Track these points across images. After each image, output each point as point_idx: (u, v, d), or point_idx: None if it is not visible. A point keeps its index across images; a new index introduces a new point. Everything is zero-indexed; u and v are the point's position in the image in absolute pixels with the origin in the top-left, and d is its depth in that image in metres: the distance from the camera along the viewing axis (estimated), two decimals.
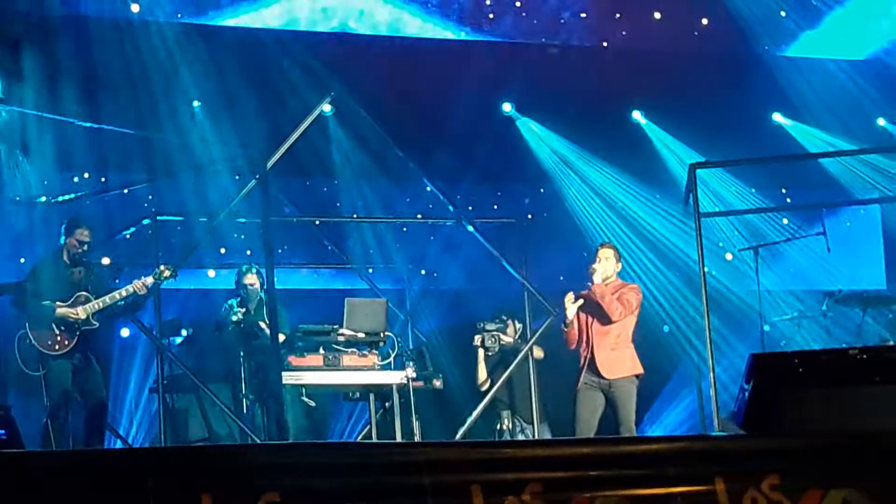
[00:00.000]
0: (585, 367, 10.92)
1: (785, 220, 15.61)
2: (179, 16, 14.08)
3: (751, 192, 16.04)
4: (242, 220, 12.84)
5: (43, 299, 10.72)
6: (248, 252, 13.97)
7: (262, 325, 12.11)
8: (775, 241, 14.41)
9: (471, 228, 12.78)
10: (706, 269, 11.65)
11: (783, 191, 16.30)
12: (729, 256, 15.36)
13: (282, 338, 11.60)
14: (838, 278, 15.09)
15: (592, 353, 10.89)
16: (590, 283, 11.01)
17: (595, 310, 10.95)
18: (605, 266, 11.04)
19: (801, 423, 6.67)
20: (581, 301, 11.03)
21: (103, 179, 14.08)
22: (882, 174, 15.51)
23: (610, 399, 10.83)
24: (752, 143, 14.71)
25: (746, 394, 6.79)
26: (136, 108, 13.12)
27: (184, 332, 12.73)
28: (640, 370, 10.99)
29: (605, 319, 10.90)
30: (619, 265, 11.22)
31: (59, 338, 10.66)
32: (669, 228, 15.38)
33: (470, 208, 13.80)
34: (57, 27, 13.27)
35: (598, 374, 10.82)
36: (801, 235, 14.26)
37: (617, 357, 10.90)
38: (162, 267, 11.21)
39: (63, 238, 11.02)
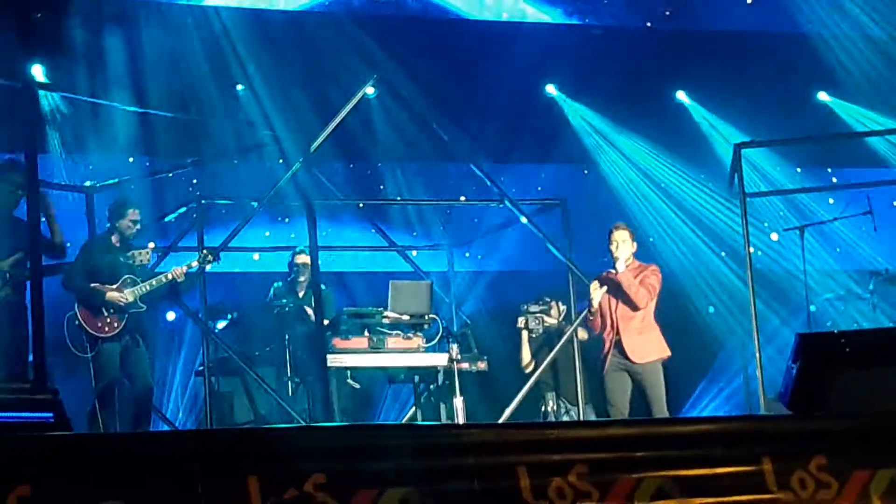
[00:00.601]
0: (612, 350, 10.93)
1: (831, 200, 15.49)
2: None
3: (796, 172, 15.94)
4: (287, 203, 12.86)
5: (91, 281, 10.77)
6: (293, 235, 14.02)
7: (308, 310, 12.14)
8: (821, 220, 14.31)
9: (515, 210, 12.75)
10: (752, 249, 11.59)
11: (829, 170, 16.19)
12: (775, 236, 15.27)
13: (326, 321, 11.63)
14: (885, 258, 14.98)
15: (619, 337, 10.90)
16: (612, 270, 11.04)
17: (619, 294, 10.95)
18: (623, 249, 11.01)
19: (848, 403, 6.63)
20: (605, 287, 11.04)
21: (148, 164, 14.14)
22: None
23: (638, 383, 10.84)
24: (798, 122, 14.63)
25: (793, 374, 6.76)
26: (180, 91, 13.16)
27: (229, 316, 12.77)
28: (668, 353, 10.97)
29: (631, 305, 10.91)
30: (635, 245, 11.17)
31: (108, 320, 10.69)
32: (715, 208, 15.30)
33: (514, 190, 13.76)
34: (101, 11, 13.31)
35: (627, 358, 10.83)
36: (847, 215, 14.14)
37: (644, 341, 10.91)
38: (205, 251, 11.26)
39: (110, 221, 11.05)
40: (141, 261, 10.87)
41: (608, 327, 11.01)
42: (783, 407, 6.89)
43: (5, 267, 10.16)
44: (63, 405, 6.52)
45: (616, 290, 10.96)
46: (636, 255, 11.20)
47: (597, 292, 11.04)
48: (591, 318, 11.23)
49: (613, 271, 11.03)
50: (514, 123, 14.78)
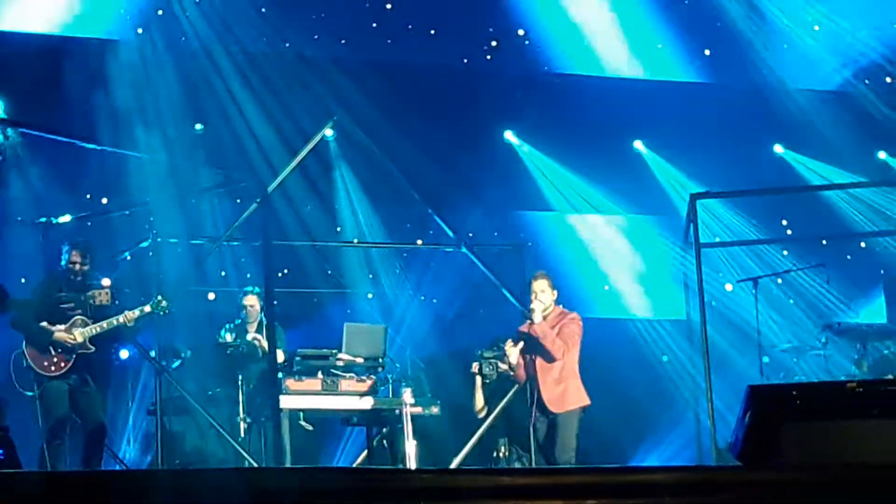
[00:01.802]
0: (535, 402, 10.75)
1: (785, 252, 15.62)
2: (183, 39, 14.13)
3: (751, 223, 16.06)
4: (238, 242, 12.87)
5: (40, 321, 10.68)
6: (248, 275, 14.00)
7: (259, 337, 12.13)
8: (775, 272, 14.42)
9: (470, 255, 12.80)
10: (705, 299, 11.67)
11: (784, 222, 16.33)
12: (729, 287, 15.37)
13: (280, 357, 11.60)
14: (838, 310, 15.09)
15: (538, 388, 10.71)
16: (529, 321, 10.82)
17: (537, 347, 10.73)
18: (543, 299, 10.80)
19: (798, 455, 6.66)
20: (521, 343, 10.85)
21: (104, 201, 14.10)
22: (879, 209, 15.52)
23: (553, 424, 10.64)
24: (754, 175, 14.75)
25: (744, 425, 6.79)
26: (138, 130, 13.16)
27: (182, 355, 12.72)
28: (587, 401, 10.75)
29: (548, 356, 10.70)
30: (555, 292, 10.93)
31: (55, 359, 10.61)
32: (670, 257, 15.39)
33: (470, 234, 13.81)
34: (60, 48, 13.32)
35: (545, 410, 10.67)
36: (801, 267, 14.27)
37: (562, 391, 10.70)
38: (160, 297, 11.18)
39: (63, 261, 10.98)
40: (101, 301, 10.80)
41: (531, 378, 10.82)
42: (733, 458, 6.92)
43: None
44: (13, 443, 6.48)
45: (534, 342, 10.75)
46: (558, 302, 10.97)
47: (512, 351, 10.84)
48: (511, 374, 11.10)
49: (530, 321, 10.81)
50: (472, 168, 14.83)
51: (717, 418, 11.31)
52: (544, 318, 10.76)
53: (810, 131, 15.67)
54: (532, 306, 10.76)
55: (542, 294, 10.80)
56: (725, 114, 15.36)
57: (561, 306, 11.00)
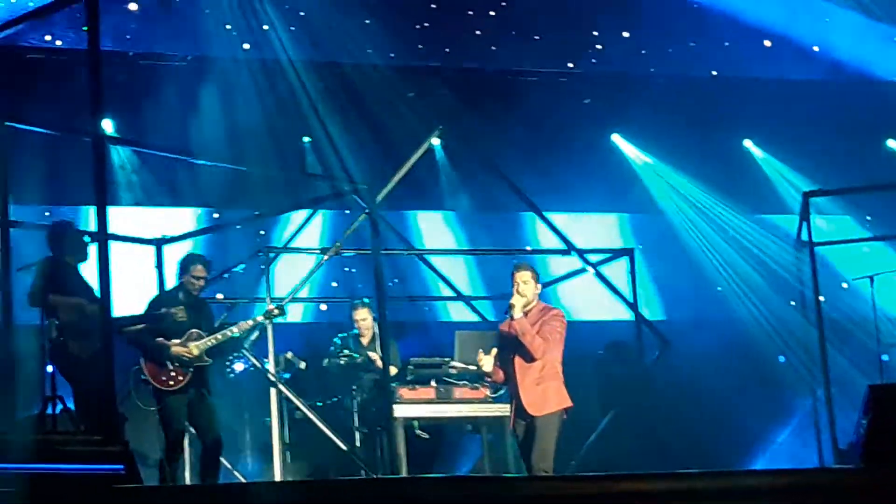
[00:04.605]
0: (514, 404, 9.88)
1: None
2: (288, 53, 14.23)
3: (866, 220, 15.82)
4: (352, 253, 12.93)
5: (157, 336, 10.77)
6: (360, 285, 14.07)
7: (374, 356, 12.17)
8: (891, 269, 14.17)
9: (581, 259, 12.75)
10: (822, 298, 11.51)
11: None
12: (844, 285, 15.16)
13: (393, 371, 11.64)
14: None
15: (518, 389, 9.81)
16: (508, 317, 9.88)
17: (517, 345, 9.83)
18: (525, 291, 9.83)
19: None
20: (494, 352, 10.07)
21: (215, 215, 14.25)
22: None
23: (532, 429, 9.74)
24: (867, 170, 14.53)
25: (864, 426, 6.69)
26: (247, 144, 13.29)
27: (297, 366, 12.79)
28: (568, 403, 9.87)
29: (528, 356, 9.79)
30: (539, 286, 10.03)
31: (173, 374, 10.70)
32: (783, 257, 15.20)
33: (578, 239, 13.74)
34: (170, 67, 13.49)
35: (524, 413, 9.78)
36: None
37: (542, 392, 9.78)
38: (270, 307, 11.28)
39: (179, 276, 11.05)
40: (179, 318, 10.80)
41: (510, 378, 9.94)
42: (855, 459, 6.83)
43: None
44: (134, 457, 6.55)
45: (513, 340, 9.85)
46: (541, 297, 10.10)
47: (484, 360, 10.05)
48: (489, 379, 10.50)
49: (510, 317, 9.88)
50: (580, 172, 14.79)
51: (837, 420, 11.14)
52: (526, 313, 9.85)
53: None
54: (512, 301, 9.87)
55: (525, 286, 9.88)
56: (838, 110, 15.14)
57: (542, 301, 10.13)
